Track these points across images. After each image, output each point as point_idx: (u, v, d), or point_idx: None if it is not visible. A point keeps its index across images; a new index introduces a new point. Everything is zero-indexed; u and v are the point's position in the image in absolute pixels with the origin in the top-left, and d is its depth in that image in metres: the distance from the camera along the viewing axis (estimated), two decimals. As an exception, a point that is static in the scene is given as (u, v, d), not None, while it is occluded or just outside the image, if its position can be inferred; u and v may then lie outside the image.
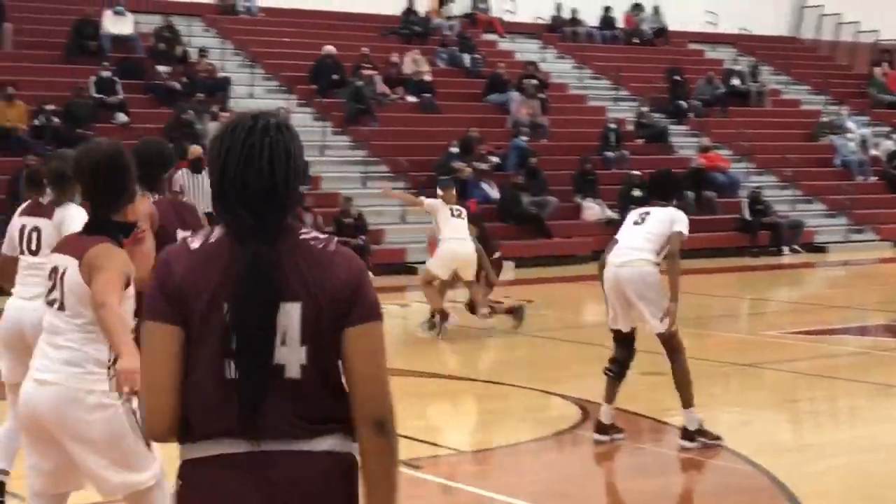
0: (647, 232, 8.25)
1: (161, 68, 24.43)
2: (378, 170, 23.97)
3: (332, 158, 23.99)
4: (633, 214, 8.58)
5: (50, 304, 4.75)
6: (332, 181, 22.92)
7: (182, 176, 15.37)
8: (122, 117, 22.82)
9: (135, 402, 4.58)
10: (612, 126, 26.81)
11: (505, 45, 31.79)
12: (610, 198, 24.22)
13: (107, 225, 4.71)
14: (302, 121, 24.60)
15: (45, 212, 6.31)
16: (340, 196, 21.27)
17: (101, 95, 22.84)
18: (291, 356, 2.86)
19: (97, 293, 4.53)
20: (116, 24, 25.25)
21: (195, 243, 2.94)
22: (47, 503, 4.87)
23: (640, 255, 8.17)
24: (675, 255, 8.17)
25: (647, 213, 8.41)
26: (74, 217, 5.91)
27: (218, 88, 24.62)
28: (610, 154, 26.26)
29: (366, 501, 2.92)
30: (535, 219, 23.35)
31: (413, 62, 27.35)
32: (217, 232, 2.95)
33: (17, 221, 6.41)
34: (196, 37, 26.92)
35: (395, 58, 27.22)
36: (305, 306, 2.87)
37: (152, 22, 25.84)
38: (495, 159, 24.55)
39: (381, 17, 30.00)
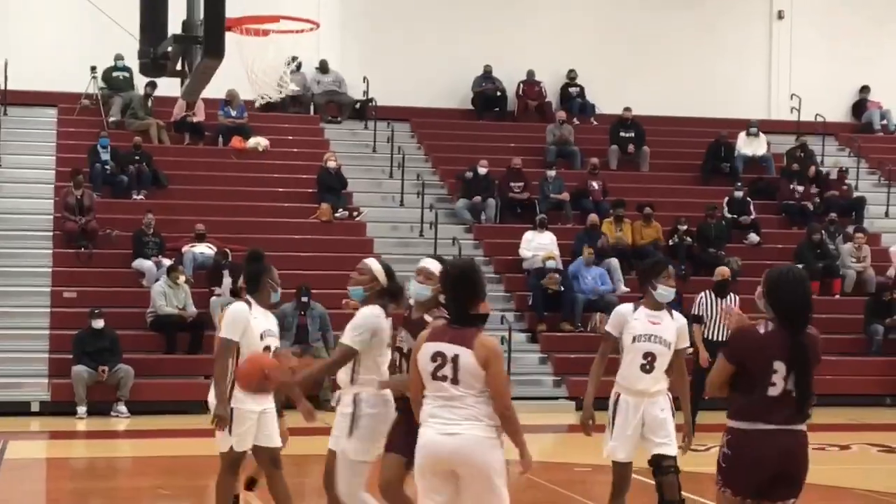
0: None
1: (794, 187, 24.23)
2: None
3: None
4: None
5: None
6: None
7: (704, 297, 15.04)
8: (753, 237, 22.89)
9: None
10: None
11: None
12: None
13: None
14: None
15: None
16: None
17: (733, 215, 23.08)
18: None
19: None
20: (750, 145, 25.49)
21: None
22: None
23: None
24: None
25: None
26: None
27: (852, 208, 24.03)
28: None
29: None
30: None
31: None
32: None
33: None
34: (829, 156, 26.51)
35: None
36: None
37: (785, 143, 25.78)
38: None
39: None
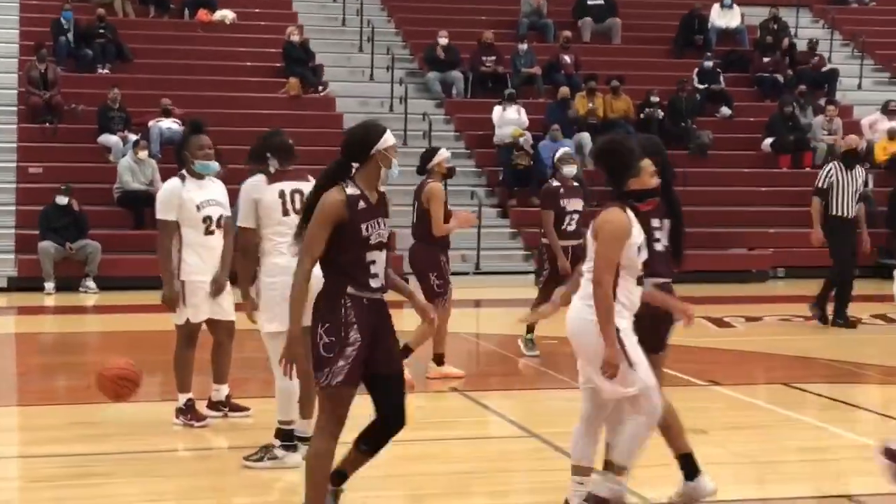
0: None
1: (766, 59, 24.06)
2: None
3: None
4: None
5: None
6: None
7: (833, 168, 13.50)
8: (725, 111, 22.79)
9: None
10: None
11: None
12: None
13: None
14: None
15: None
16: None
17: (704, 85, 22.93)
18: None
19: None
20: (724, 17, 25.25)
21: None
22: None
23: None
24: None
25: None
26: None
27: (824, 81, 23.91)
28: None
29: None
30: None
31: None
32: None
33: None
34: (804, 28, 26.31)
35: None
36: None
37: (760, 14, 25.53)
38: None
39: None
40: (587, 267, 5.88)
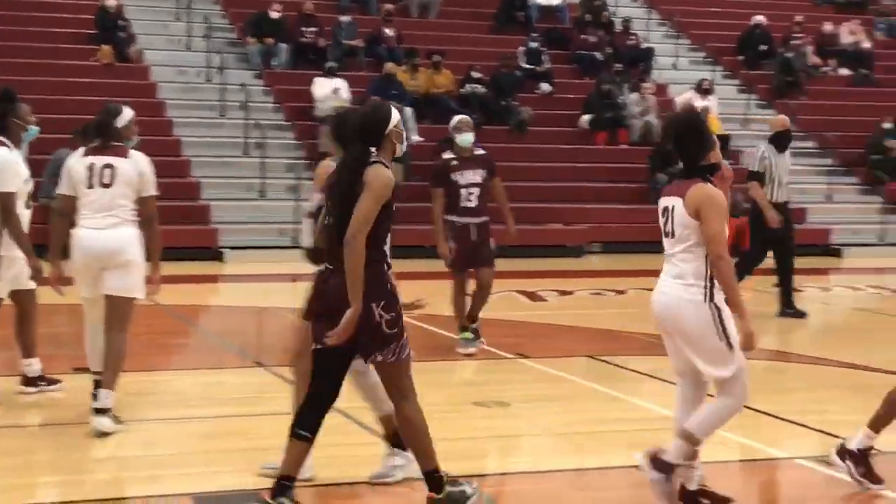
0: None
1: (587, 38, 24.39)
2: (805, 146, 22.89)
3: (755, 132, 23.13)
4: None
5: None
6: (754, 156, 22.09)
7: (767, 152, 12.57)
8: (545, 87, 23.02)
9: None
10: None
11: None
12: None
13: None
14: (726, 93, 23.93)
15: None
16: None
17: (530, 66, 23.11)
18: None
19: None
20: (547, -7, 25.50)
21: None
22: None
23: None
24: None
25: None
26: None
27: (641, 59, 24.36)
28: None
29: None
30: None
31: (850, 32, 25.93)
32: None
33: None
34: (623, 7, 26.74)
35: (828, 27, 25.91)
36: None
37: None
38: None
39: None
40: (680, 247, 5.83)
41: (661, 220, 6.01)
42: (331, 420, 5.64)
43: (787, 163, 12.72)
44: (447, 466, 5.71)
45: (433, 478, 5.66)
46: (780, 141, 12.66)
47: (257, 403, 8.27)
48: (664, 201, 6.00)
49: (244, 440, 7.19)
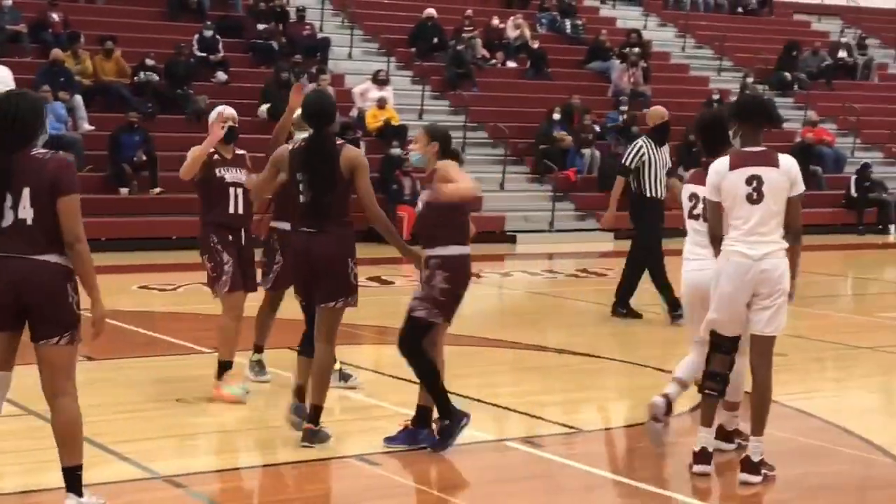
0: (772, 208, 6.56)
1: (260, 27, 24.26)
2: (477, 136, 23.65)
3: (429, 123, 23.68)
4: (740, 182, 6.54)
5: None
6: (429, 146, 22.59)
7: (644, 147, 12.04)
8: (221, 76, 22.74)
9: None
10: (716, 97, 26.16)
11: (606, 11, 31.24)
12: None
13: None
14: (400, 84, 24.34)
15: None
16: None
17: (203, 54, 22.75)
18: None
19: None
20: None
21: None
22: None
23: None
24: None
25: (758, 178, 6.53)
26: None
27: (317, 49, 24.45)
28: (713, 125, 25.61)
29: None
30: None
31: (516, 27, 26.94)
32: None
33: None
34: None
35: (496, 22, 26.84)
36: None
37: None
38: (597, 128, 24.09)
39: (482, -19, 29.56)
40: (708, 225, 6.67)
41: (689, 204, 7.14)
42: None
43: (666, 157, 12.16)
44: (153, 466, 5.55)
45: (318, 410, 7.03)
46: (658, 135, 12.04)
47: None
48: (688, 188, 7.15)
49: None
